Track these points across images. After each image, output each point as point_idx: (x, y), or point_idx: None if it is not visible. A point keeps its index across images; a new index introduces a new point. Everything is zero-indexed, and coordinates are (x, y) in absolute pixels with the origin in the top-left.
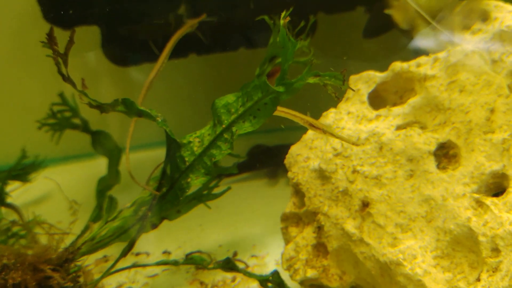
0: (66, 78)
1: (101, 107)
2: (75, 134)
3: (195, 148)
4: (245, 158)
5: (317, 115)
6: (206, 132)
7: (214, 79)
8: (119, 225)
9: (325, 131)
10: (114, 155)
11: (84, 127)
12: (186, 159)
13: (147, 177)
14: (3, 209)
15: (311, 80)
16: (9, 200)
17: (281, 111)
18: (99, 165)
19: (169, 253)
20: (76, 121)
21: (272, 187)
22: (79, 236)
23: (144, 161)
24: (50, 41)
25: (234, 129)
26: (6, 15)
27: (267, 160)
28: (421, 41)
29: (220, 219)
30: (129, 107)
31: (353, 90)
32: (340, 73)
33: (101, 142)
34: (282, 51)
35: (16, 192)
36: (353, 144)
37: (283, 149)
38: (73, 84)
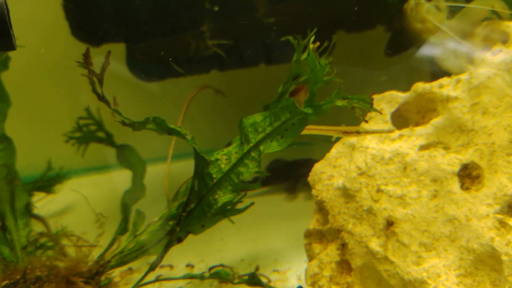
0: (101, 97)
1: (133, 125)
2: (98, 146)
3: (222, 166)
4: (268, 174)
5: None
6: (233, 150)
7: (236, 95)
8: (147, 238)
9: (360, 132)
10: (138, 168)
11: (109, 141)
12: (214, 176)
13: (175, 191)
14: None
15: (339, 102)
16: (35, 211)
17: (311, 129)
18: (122, 177)
19: (192, 266)
20: (101, 134)
21: (291, 202)
22: (107, 249)
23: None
24: (86, 61)
25: (261, 148)
26: (34, 30)
27: (286, 174)
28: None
29: (241, 232)
30: (159, 125)
31: (379, 112)
32: (368, 97)
33: (125, 155)
34: (310, 74)
35: (40, 203)
36: (387, 132)
37: (302, 164)
38: (107, 103)
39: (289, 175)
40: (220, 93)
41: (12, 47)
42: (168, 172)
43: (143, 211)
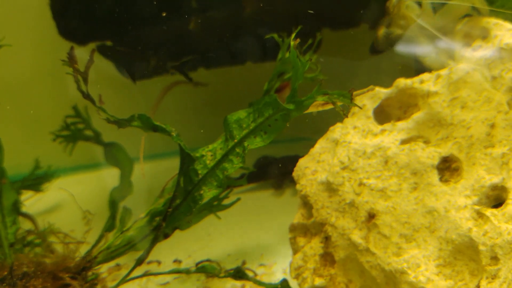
0: (86, 95)
1: (119, 123)
2: (85, 144)
3: (207, 162)
4: (254, 170)
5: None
6: (218, 146)
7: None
8: (134, 234)
9: None
10: (126, 166)
11: (97, 139)
12: (199, 172)
13: (161, 187)
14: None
15: (320, 98)
16: (23, 209)
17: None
18: (109, 175)
19: (179, 261)
20: (89, 132)
21: (278, 198)
22: (94, 245)
23: (156, 171)
24: (71, 59)
25: (245, 143)
26: (21, 29)
27: (273, 171)
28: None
29: (228, 228)
30: (144, 123)
31: (360, 107)
32: (348, 92)
33: (113, 153)
34: (292, 71)
35: (28, 201)
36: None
37: (289, 160)
38: (92, 101)
39: (277, 171)
40: (200, 84)
41: None
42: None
43: (130, 208)
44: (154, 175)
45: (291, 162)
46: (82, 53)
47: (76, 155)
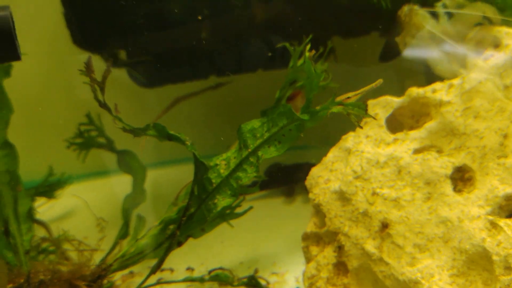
0: (103, 104)
1: (134, 131)
2: (98, 151)
3: (221, 171)
4: (266, 178)
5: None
6: (232, 155)
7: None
8: (148, 242)
9: (350, 97)
10: (139, 173)
11: (110, 146)
12: (213, 181)
13: (171, 193)
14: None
15: (335, 109)
16: (37, 216)
17: None
18: (122, 182)
19: (192, 269)
20: (102, 140)
21: (289, 205)
22: (108, 253)
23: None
24: (88, 69)
25: (260, 153)
26: (36, 38)
27: (284, 178)
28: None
29: (240, 236)
30: (159, 132)
31: (374, 118)
32: (362, 103)
33: (126, 161)
34: (307, 81)
35: (42, 208)
36: (375, 86)
37: (300, 168)
38: (108, 110)
39: (287, 178)
40: (220, 86)
41: (17, 57)
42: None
43: (143, 214)
44: (165, 181)
45: (302, 169)
46: (96, 61)
47: (88, 161)
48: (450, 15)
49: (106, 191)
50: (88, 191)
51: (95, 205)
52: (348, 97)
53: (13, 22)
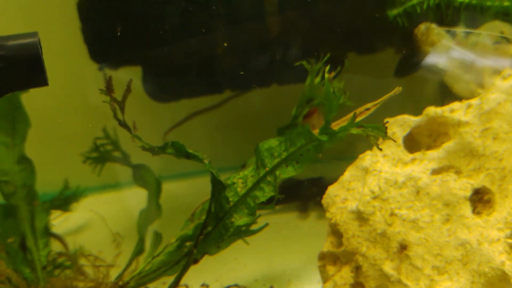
0: (122, 124)
1: (153, 150)
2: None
3: (238, 189)
4: (282, 196)
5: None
6: (249, 173)
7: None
8: (164, 259)
9: (369, 108)
10: (154, 188)
11: (125, 160)
12: (230, 199)
13: (192, 211)
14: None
15: (355, 131)
16: (52, 229)
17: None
18: (138, 194)
19: (207, 286)
20: (117, 154)
21: (303, 221)
22: (124, 269)
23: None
24: (108, 89)
25: (277, 172)
26: (53, 53)
27: (298, 193)
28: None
29: (254, 252)
30: (178, 150)
31: (393, 140)
32: (382, 125)
33: (141, 175)
34: (326, 103)
35: (57, 221)
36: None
37: (314, 182)
38: (128, 129)
39: (301, 193)
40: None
41: (45, 83)
42: None
43: (159, 228)
44: (179, 194)
45: (316, 184)
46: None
47: (104, 173)
48: (467, 34)
49: (121, 203)
50: (103, 203)
51: (110, 218)
52: (367, 108)
53: (41, 48)
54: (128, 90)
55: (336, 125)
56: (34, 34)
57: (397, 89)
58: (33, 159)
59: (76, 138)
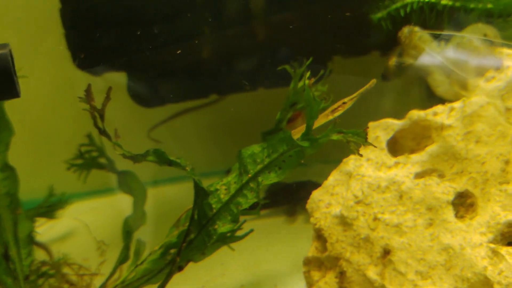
0: (102, 132)
1: (134, 158)
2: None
3: (221, 196)
4: (267, 201)
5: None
6: (232, 180)
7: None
8: (148, 268)
9: (346, 102)
10: (139, 194)
11: (110, 167)
12: (213, 206)
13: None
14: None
15: (335, 136)
16: (36, 237)
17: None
18: (123, 200)
19: None
20: (103, 160)
21: (291, 225)
22: (108, 278)
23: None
24: (88, 97)
25: (260, 179)
26: (37, 59)
27: (285, 197)
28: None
29: (241, 257)
30: (159, 157)
31: (374, 146)
32: (363, 131)
33: (127, 181)
34: (307, 109)
35: (41, 228)
36: (370, 86)
37: (301, 186)
38: (108, 137)
39: (288, 197)
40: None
41: (16, 95)
42: None
43: (145, 234)
44: (167, 199)
45: (303, 187)
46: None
47: (89, 179)
48: (450, 36)
49: (107, 209)
50: (89, 210)
51: (97, 224)
52: (344, 102)
53: (12, 59)
54: (107, 98)
55: (318, 119)
56: (5, 45)
57: (372, 82)
58: (19, 165)
59: (63, 143)
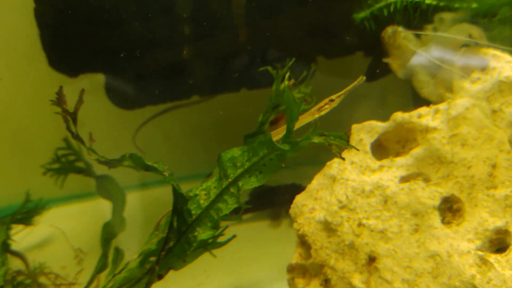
0: (75, 136)
1: (109, 163)
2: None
3: (201, 201)
4: (249, 207)
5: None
6: (212, 185)
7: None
8: (126, 276)
9: (333, 99)
10: (118, 199)
11: (88, 171)
12: (193, 212)
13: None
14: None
15: (316, 139)
16: (13, 245)
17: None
18: (102, 205)
19: None
20: (80, 164)
21: (275, 229)
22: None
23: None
24: (59, 100)
25: (240, 183)
26: (11, 60)
27: (269, 200)
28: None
29: (224, 263)
30: (136, 162)
31: (356, 149)
32: (345, 134)
33: (105, 186)
34: (287, 111)
35: (18, 235)
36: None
37: (286, 189)
38: (81, 141)
39: (273, 201)
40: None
41: None
42: None
43: (125, 239)
44: (148, 203)
45: (288, 191)
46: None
47: (68, 184)
48: (435, 36)
49: (87, 215)
50: (68, 215)
51: (75, 231)
52: (332, 100)
53: None
54: (80, 101)
55: (304, 117)
56: None
57: (361, 78)
58: None
59: (40, 148)
